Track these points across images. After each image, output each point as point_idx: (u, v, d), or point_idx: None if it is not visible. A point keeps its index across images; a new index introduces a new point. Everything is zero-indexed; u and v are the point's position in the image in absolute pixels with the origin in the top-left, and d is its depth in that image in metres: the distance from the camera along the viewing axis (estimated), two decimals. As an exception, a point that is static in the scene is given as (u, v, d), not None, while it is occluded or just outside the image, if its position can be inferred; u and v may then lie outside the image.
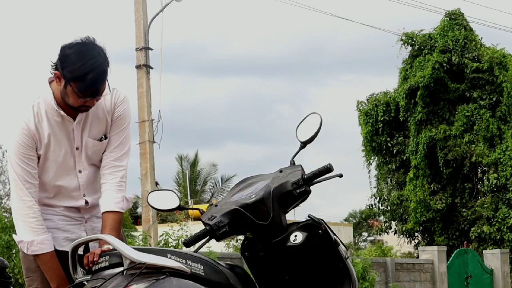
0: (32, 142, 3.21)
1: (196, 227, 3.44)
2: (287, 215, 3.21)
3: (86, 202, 3.35)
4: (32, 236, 3.17)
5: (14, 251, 8.94)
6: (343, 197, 67.47)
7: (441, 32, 22.55)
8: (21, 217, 3.20)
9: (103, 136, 3.34)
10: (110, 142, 3.36)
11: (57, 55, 3.17)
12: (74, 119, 3.27)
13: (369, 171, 23.49)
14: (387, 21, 64.59)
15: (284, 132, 59.72)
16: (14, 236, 3.31)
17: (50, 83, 3.28)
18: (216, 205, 3.19)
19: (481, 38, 22.91)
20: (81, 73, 3.08)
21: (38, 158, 3.25)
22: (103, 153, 3.37)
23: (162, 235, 11.43)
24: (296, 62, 66.87)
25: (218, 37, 61.38)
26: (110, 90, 3.28)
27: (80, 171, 3.32)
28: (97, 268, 2.89)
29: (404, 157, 22.60)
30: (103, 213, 3.29)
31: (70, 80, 3.11)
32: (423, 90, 21.61)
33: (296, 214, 25.01)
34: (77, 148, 3.29)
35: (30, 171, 3.21)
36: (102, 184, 3.34)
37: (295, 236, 3.11)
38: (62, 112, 3.24)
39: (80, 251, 3.07)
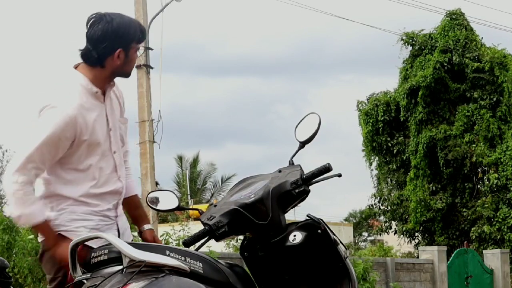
0: (72, 133, 3.20)
1: (197, 227, 3.44)
2: (286, 215, 3.22)
3: (122, 185, 3.41)
4: (20, 210, 3.17)
5: (14, 251, 8.95)
6: (343, 197, 67.52)
7: (442, 32, 22.55)
8: (12, 193, 3.17)
9: (123, 117, 3.49)
10: (125, 131, 3.54)
11: (103, 35, 3.25)
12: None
13: (371, 170, 23.52)
14: (387, 21, 64.62)
15: (284, 132, 59.69)
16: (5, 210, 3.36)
17: (75, 68, 3.34)
18: (215, 205, 3.20)
19: (482, 38, 22.92)
20: (139, 28, 3.36)
21: (71, 145, 3.24)
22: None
23: (163, 235, 11.43)
24: (296, 62, 66.91)
25: (218, 37, 61.41)
26: None
27: (114, 152, 3.37)
28: (96, 261, 2.89)
29: (404, 157, 22.60)
30: (133, 196, 3.60)
31: (135, 39, 3.32)
32: (424, 90, 21.61)
33: (296, 214, 24.99)
34: (110, 129, 3.35)
35: (49, 159, 3.19)
36: (126, 168, 3.54)
37: (294, 236, 3.11)
38: (100, 94, 3.31)
39: (94, 243, 3.06)
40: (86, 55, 3.31)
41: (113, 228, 3.37)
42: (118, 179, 3.39)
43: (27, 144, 3.18)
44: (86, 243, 3.02)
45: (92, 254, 2.92)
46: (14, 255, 8.90)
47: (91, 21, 3.31)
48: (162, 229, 13.27)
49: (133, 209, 3.60)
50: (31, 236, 8.72)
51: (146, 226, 3.56)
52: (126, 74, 3.39)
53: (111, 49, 3.26)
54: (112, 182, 3.36)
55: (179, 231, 11.65)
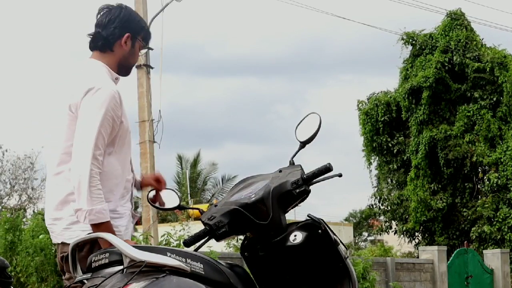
0: (120, 111, 3.21)
1: (197, 227, 3.45)
2: (286, 215, 3.22)
3: (134, 176, 3.40)
4: (91, 205, 3.08)
5: (17, 250, 8.97)
6: (342, 197, 67.39)
7: (442, 32, 22.56)
8: (86, 184, 3.07)
9: None
10: None
11: (114, 18, 3.33)
12: None
13: (370, 170, 23.52)
14: (387, 21, 64.57)
15: (284, 132, 59.63)
16: (72, 204, 3.17)
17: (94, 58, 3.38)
18: (216, 205, 3.20)
19: (482, 38, 22.93)
20: (147, 28, 3.45)
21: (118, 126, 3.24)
22: None
23: (164, 235, 11.45)
24: (295, 62, 66.83)
25: (217, 37, 61.36)
26: None
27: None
28: (97, 265, 2.89)
29: (405, 157, 22.61)
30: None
31: (142, 33, 3.39)
32: (427, 91, 21.60)
33: (296, 214, 25.03)
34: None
35: (106, 140, 3.16)
36: None
37: (295, 235, 3.11)
38: (118, 81, 3.36)
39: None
40: (95, 38, 3.35)
41: (130, 221, 3.35)
42: (131, 170, 3.39)
43: (88, 131, 3.12)
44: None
45: (93, 258, 2.91)
46: (17, 254, 8.92)
47: (103, 10, 3.38)
48: (162, 229, 13.27)
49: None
50: (42, 236, 8.73)
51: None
52: (129, 68, 3.42)
53: (120, 32, 3.33)
54: (129, 171, 3.37)
55: (180, 231, 11.65)
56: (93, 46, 3.37)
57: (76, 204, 3.12)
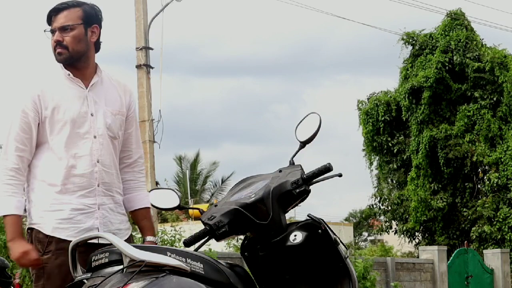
0: (32, 103, 3.32)
1: (197, 227, 3.44)
2: (286, 215, 3.22)
3: (98, 170, 3.39)
4: None
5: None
6: (340, 197, 67.38)
7: (443, 32, 22.56)
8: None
9: (119, 111, 3.51)
10: (131, 139, 3.58)
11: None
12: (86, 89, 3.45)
13: (372, 170, 23.52)
14: (387, 21, 64.54)
15: (281, 132, 59.62)
16: None
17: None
18: (216, 205, 3.20)
19: (483, 38, 22.94)
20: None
21: (39, 124, 3.34)
22: (124, 150, 3.55)
23: (158, 232, 11.50)
24: (292, 63, 66.85)
25: (214, 37, 61.37)
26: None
27: (95, 137, 3.39)
28: (96, 264, 2.89)
29: (405, 157, 22.61)
30: (141, 208, 3.58)
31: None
32: (428, 90, 21.61)
33: (296, 214, 25.03)
34: (91, 114, 3.40)
35: (27, 138, 3.30)
36: (132, 180, 3.56)
37: (295, 235, 3.11)
38: (72, 77, 3.41)
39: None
40: None
41: (92, 218, 3.34)
42: (94, 164, 3.39)
43: (5, 132, 3.33)
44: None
45: (93, 257, 2.91)
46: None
47: None
48: (161, 229, 13.30)
49: (139, 220, 3.59)
50: None
51: (148, 238, 3.55)
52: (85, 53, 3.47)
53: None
54: (86, 165, 3.36)
55: (171, 231, 11.76)
56: None
57: None
